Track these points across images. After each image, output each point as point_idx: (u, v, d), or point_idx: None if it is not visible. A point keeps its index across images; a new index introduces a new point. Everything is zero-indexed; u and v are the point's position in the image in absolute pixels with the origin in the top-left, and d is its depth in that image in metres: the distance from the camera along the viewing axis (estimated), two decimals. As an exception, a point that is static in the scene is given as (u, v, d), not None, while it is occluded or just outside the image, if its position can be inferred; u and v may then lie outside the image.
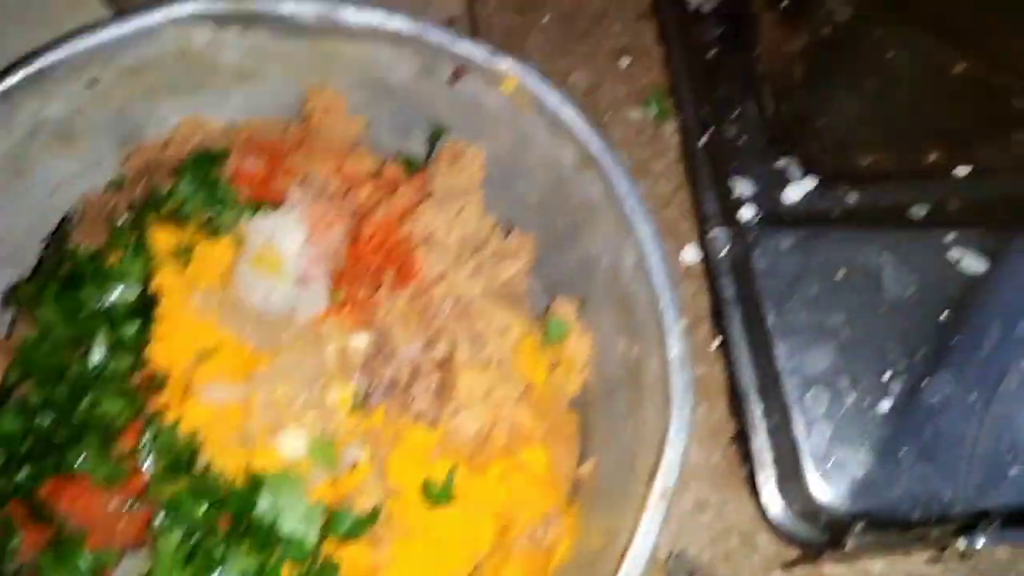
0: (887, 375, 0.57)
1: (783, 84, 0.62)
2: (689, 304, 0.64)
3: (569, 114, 0.49)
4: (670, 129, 0.67)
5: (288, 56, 0.51)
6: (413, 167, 0.55)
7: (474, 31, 0.67)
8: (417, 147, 0.56)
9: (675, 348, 0.45)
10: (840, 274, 0.59)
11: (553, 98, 0.49)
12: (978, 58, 0.51)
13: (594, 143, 0.48)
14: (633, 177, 0.48)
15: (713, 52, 0.65)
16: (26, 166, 0.50)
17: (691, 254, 0.65)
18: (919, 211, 0.60)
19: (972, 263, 0.58)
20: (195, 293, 0.44)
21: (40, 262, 0.49)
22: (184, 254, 0.45)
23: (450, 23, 0.68)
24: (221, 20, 0.48)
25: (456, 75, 0.50)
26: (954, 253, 0.59)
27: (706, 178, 0.64)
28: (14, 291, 0.50)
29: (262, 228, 0.45)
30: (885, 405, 0.56)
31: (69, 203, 0.52)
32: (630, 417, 0.49)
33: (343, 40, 0.50)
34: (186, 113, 0.53)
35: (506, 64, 0.49)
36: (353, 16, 0.49)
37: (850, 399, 0.57)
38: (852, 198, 0.61)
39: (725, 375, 0.62)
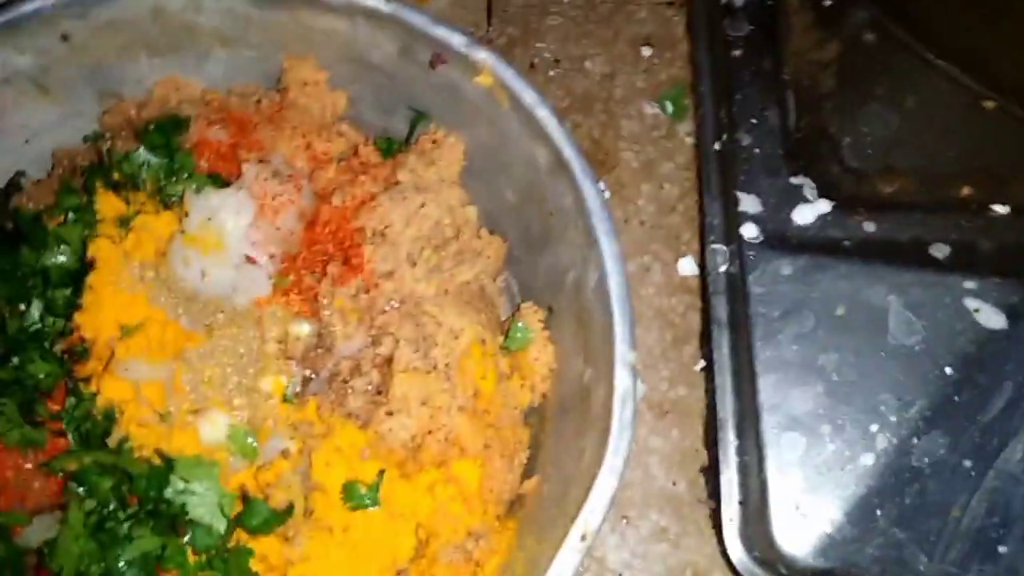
0: (875, 427, 0.52)
1: (809, 94, 0.57)
2: (679, 319, 0.60)
3: (543, 114, 0.45)
4: (685, 129, 0.63)
5: (268, 24, 0.49)
6: (392, 149, 0.53)
7: (489, 10, 0.64)
8: (401, 126, 0.54)
9: (622, 384, 0.42)
10: (840, 310, 0.54)
11: (529, 96, 0.46)
12: (1007, 97, 0.45)
13: (566, 148, 0.45)
14: (602, 189, 0.45)
15: (740, 50, 0.60)
16: (-2, 112, 0.49)
17: (688, 266, 0.61)
18: (940, 251, 0.54)
19: (991, 316, 0.53)
20: (130, 265, 0.43)
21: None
22: (126, 224, 0.44)
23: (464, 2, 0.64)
24: (194, -18, 0.47)
25: (435, 61, 0.48)
26: (972, 302, 0.53)
27: (714, 187, 0.59)
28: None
29: (206, 205, 0.44)
30: (867, 459, 0.52)
31: (46, 151, 0.52)
32: (574, 443, 0.46)
33: (320, 13, 0.48)
34: (164, 74, 0.51)
35: (483, 55, 0.46)
36: (328, -11, 0.46)
37: (831, 447, 0.52)
38: (869, 228, 0.56)
39: (705, 400, 0.58)
